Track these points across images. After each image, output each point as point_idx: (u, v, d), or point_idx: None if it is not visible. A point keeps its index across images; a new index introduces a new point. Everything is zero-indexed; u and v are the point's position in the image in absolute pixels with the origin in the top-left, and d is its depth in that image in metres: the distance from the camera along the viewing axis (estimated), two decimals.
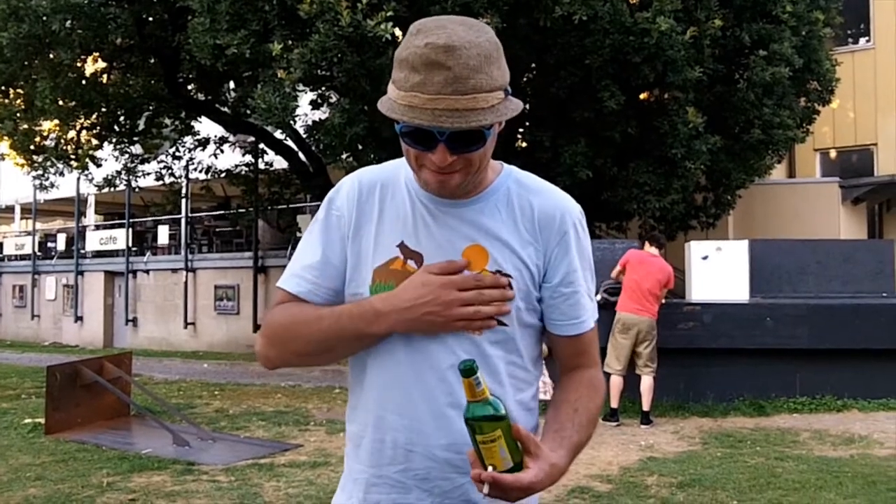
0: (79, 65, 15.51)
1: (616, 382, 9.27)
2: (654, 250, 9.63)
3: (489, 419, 1.55)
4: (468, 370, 1.54)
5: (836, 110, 18.05)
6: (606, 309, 9.32)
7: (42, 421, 9.20)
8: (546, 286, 1.77)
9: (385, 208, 1.81)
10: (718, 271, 11.05)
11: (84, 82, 15.78)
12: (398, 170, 1.83)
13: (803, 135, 15.07)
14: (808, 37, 13.39)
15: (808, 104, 15.04)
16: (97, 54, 15.71)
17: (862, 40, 20.09)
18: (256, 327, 20.83)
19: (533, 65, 13.98)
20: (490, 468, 1.56)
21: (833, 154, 20.37)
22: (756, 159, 14.25)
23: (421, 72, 1.60)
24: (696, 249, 11.48)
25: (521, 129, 14.64)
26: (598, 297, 9.55)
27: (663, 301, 9.63)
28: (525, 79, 14.39)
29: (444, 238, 1.74)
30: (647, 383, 9.26)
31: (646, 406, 9.26)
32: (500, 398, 1.58)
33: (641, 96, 13.28)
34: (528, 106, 14.74)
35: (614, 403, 9.29)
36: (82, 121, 17.03)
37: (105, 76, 16.69)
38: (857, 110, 19.49)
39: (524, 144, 14.32)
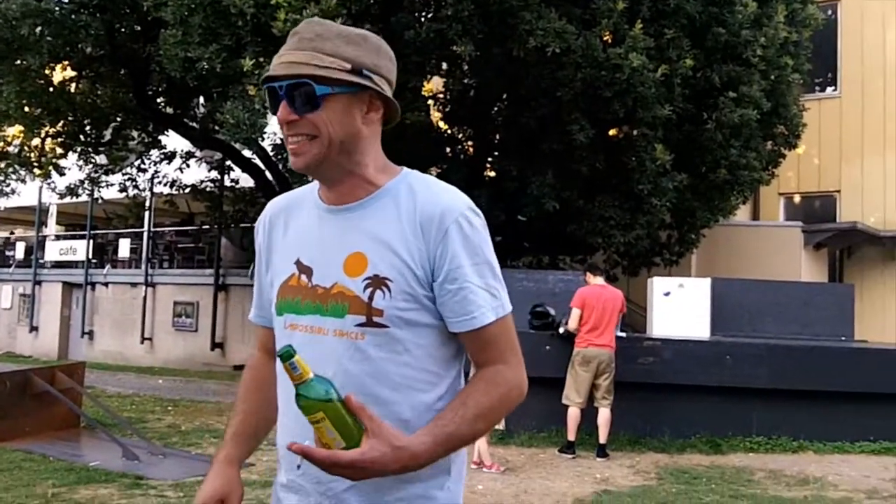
0: (47, 72, 15.33)
1: (574, 415, 9.23)
2: (599, 280, 9.63)
3: (309, 401, 1.60)
4: (283, 355, 1.61)
5: (801, 156, 18.29)
6: (570, 341, 9.32)
7: None
8: (435, 285, 1.77)
9: (289, 228, 1.93)
10: (680, 308, 11.10)
11: (51, 90, 15.61)
12: (311, 190, 1.93)
13: (769, 177, 15.25)
14: (776, 81, 13.57)
15: (775, 148, 15.24)
16: (66, 62, 15.55)
17: (829, 89, 20.40)
18: (214, 345, 20.62)
19: (504, 95, 14.05)
20: (323, 447, 1.62)
21: (797, 199, 20.61)
22: (721, 199, 14.38)
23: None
24: (659, 286, 11.53)
25: (489, 159, 14.68)
26: (562, 330, 9.54)
27: (621, 333, 9.63)
28: (496, 108, 14.45)
29: (330, 248, 1.82)
30: (604, 416, 9.23)
31: (602, 439, 9.22)
32: (330, 382, 1.62)
33: (611, 132, 13.36)
34: (497, 136, 14.81)
35: (571, 436, 9.24)
36: (47, 128, 16.85)
37: (73, 84, 16.51)
38: (821, 157, 19.75)
39: (492, 174, 14.35)
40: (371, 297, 1.74)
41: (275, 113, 1.80)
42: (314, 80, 1.74)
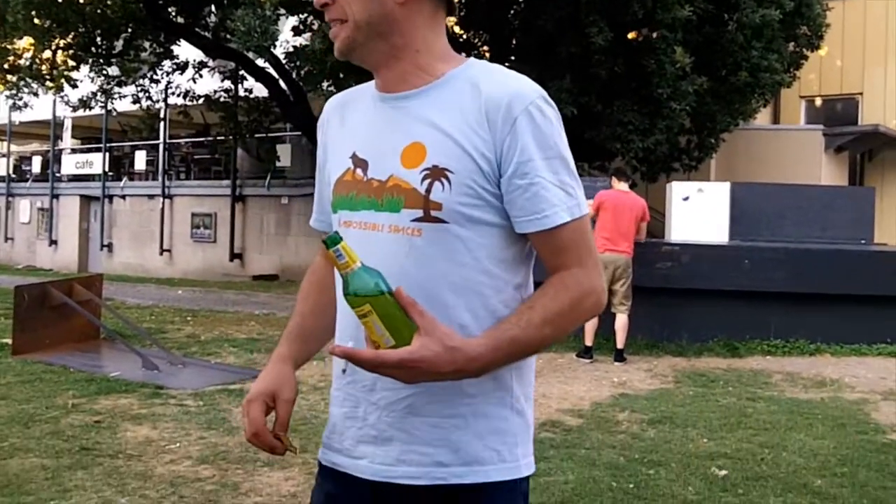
0: None
1: (591, 320, 9.23)
2: (623, 186, 9.55)
3: (355, 292, 1.49)
4: (327, 241, 1.50)
5: (823, 58, 17.89)
6: None
7: (9, 342, 9.07)
8: (502, 181, 1.62)
9: (346, 123, 1.81)
10: (699, 213, 11.00)
11: (60, 1, 15.38)
12: (371, 84, 1.80)
13: (790, 80, 14.95)
14: None
15: (797, 49, 14.90)
16: None
17: None
18: (233, 256, 20.72)
19: None
20: (372, 345, 1.51)
21: (818, 102, 20.28)
22: (741, 103, 14.13)
23: None
24: (678, 190, 11.41)
25: (506, 63, 14.43)
26: None
27: (643, 239, 9.57)
28: (512, 12, 14.16)
29: (386, 139, 1.69)
30: (621, 321, 9.23)
31: (620, 344, 9.25)
32: (379, 273, 1.51)
33: (629, 34, 13.07)
34: (514, 40, 14.55)
35: (588, 341, 9.27)
36: (58, 40, 16.64)
37: None
38: (844, 59, 19.36)
39: None
40: (429, 190, 1.61)
41: None
42: None
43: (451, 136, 1.61)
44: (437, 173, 1.61)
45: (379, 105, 1.73)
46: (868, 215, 11.46)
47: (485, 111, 1.61)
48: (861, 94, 19.61)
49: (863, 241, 11.08)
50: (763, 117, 18.24)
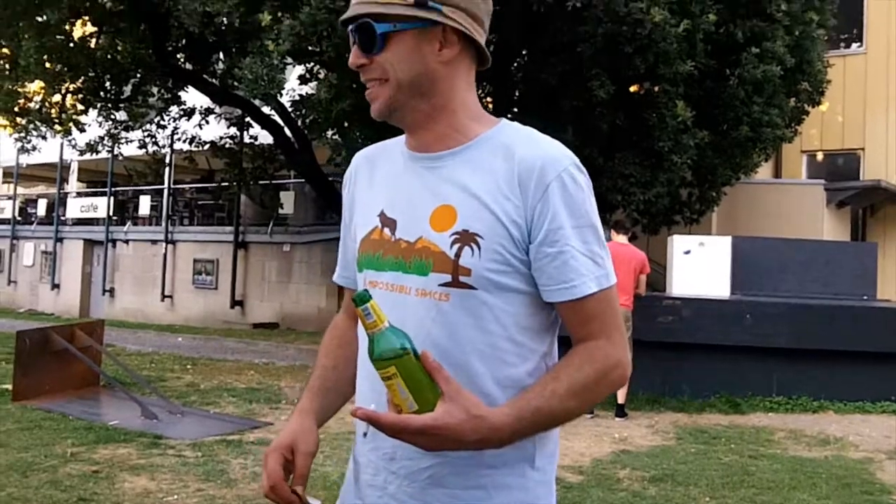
0: (67, 27, 15.32)
1: None
2: (622, 238, 9.54)
3: (381, 353, 1.46)
4: (356, 299, 1.47)
5: (825, 113, 18.01)
6: None
7: (9, 387, 9.05)
8: (531, 247, 1.59)
9: (375, 178, 1.79)
10: (700, 266, 11.01)
11: (71, 45, 15.60)
12: (399, 140, 1.79)
13: (791, 135, 15.01)
14: (801, 37, 13.31)
15: (798, 104, 14.98)
16: (86, 17, 15.53)
17: (854, 45, 20.07)
18: (234, 303, 20.70)
19: (524, 51, 13.87)
20: (395, 409, 1.47)
21: (820, 156, 20.36)
22: (743, 157, 14.17)
23: None
24: (679, 244, 11.43)
25: (508, 116, 14.53)
26: None
27: (643, 293, 9.55)
28: (515, 65, 14.28)
29: (416, 200, 1.67)
30: None
31: (621, 399, 9.20)
32: (406, 335, 1.47)
33: (631, 88, 13.17)
34: (517, 93, 14.66)
35: None
36: (68, 84, 16.85)
37: (93, 40, 16.49)
38: (845, 114, 19.47)
39: None
40: (458, 254, 1.58)
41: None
42: (374, 19, 1.62)
43: (481, 201, 1.60)
44: (466, 238, 1.59)
45: (409, 164, 1.72)
46: (871, 271, 11.48)
47: (517, 175, 1.60)
48: (862, 149, 19.69)
49: (865, 297, 11.08)
50: (764, 171, 18.30)
